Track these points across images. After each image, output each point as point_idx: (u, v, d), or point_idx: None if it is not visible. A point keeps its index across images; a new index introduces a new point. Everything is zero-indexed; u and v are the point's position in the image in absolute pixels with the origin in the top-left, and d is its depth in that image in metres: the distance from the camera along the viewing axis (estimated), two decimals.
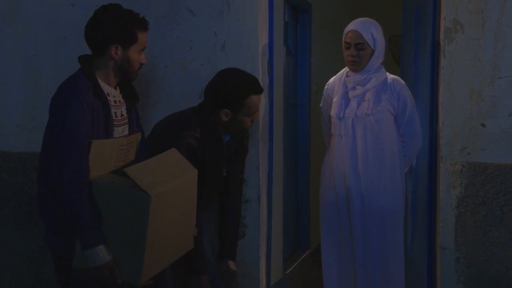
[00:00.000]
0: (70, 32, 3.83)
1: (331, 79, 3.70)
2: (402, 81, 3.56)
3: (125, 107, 2.84)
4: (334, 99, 3.57)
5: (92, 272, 2.57)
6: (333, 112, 3.55)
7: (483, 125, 3.48)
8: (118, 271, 2.57)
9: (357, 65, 3.48)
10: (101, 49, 2.73)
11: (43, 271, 3.96)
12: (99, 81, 2.72)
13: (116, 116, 2.77)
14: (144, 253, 2.53)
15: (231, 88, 3.06)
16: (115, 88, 2.82)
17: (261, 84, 3.62)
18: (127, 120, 2.84)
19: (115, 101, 2.78)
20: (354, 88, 3.51)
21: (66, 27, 3.84)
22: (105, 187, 2.58)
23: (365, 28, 3.45)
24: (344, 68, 3.61)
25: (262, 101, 3.66)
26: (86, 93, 2.63)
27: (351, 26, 3.49)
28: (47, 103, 3.86)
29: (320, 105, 3.77)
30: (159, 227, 2.59)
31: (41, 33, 3.88)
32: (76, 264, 2.62)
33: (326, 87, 3.71)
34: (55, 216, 2.68)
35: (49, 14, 3.86)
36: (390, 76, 3.54)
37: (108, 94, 2.73)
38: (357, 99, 3.50)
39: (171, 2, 3.65)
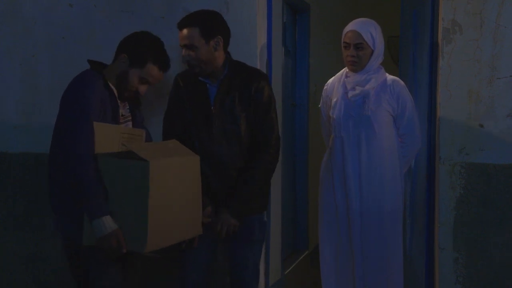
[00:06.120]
0: (68, 33, 3.84)
1: (330, 80, 3.69)
2: (402, 82, 3.55)
3: (127, 107, 2.97)
4: (334, 100, 3.56)
5: (100, 242, 2.70)
6: (333, 112, 3.54)
7: (481, 126, 3.49)
8: (124, 240, 2.70)
9: (357, 65, 3.48)
10: (116, 54, 2.92)
11: (41, 271, 3.96)
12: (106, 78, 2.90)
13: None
14: (147, 220, 2.66)
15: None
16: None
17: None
18: (130, 119, 2.99)
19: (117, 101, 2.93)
20: (353, 89, 3.50)
21: (64, 28, 3.84)
22: (108, 161, 2.74)
23: (365, 28, 3.45)
24: (344, 69, 3.60)
25: None
26: (97, 82, 2.81)
27: (350, 26, 3.48)
28: (45, 103, 3.90)
29: (319, 105, 3.77)
30: (162, 199, 2.72)
31: (39, 34, 3.88)
32: (85, 242, 2.75)
33: (325, 87, 3.71)
34: (65, 199, 2.82)
35: (47, 14, 3.86)
36: (390, 77, 3.54)
37: (113, 90, 2.90)
38: (356, 99, 3.50)
39: (169, 2, 3.65)
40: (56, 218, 2.93)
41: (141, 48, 2.88)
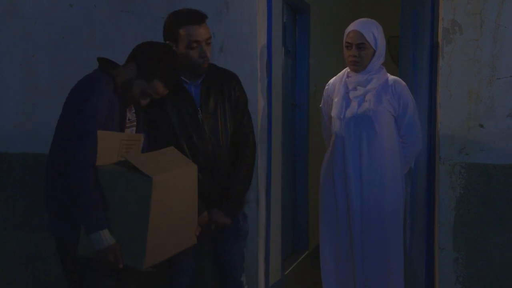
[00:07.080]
0: (68, 33, 3.84)
1: (332, 80, 3.69)
2: (403, 82, 3.55)
3: (133, 110, 2.92)
4: (335, 100, 3.56)
5: (96, 255, 2.66)
6: (334, 112, 3.54)
7: (481, 126, 3.48)
8: (121, 255, 2.65)
9: (359, 65, 3.47)
10: (128, 59, 2.84)
11: (41, 271, 3.96)
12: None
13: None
14: (146, 236, 2.60)
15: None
16: None
17: (260, 85, 3.64)
18: (135, 123, 2.94)
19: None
20: (355, 89, 3.50)
21: (64, 28, 3.84)
22: (109, 173, 2.66)
23: (367, 28, 3.45)
24: (345, 69, 3.60)
25: (261, 101, 3.67)
26: (107, 85, 2.74)
27: (352, 26, 3.48)
28: (45, 103, 3.91)
29: (320, 105, 3.76)
30: (162, 214, 2.66)
31: (39, 34, 3.89)
32: (81, 252, 2.70)
33: (326, 87, 3.70)
34: (62, 200, 2.76)
35: (47, 14, 3.87)
36: (391, 77, 3.54)
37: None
38: (358, 99, 3.49)
39: (169, 2, 3.65)
40: (51, 218, 2.87)
41: (152, 62, 2.77)
